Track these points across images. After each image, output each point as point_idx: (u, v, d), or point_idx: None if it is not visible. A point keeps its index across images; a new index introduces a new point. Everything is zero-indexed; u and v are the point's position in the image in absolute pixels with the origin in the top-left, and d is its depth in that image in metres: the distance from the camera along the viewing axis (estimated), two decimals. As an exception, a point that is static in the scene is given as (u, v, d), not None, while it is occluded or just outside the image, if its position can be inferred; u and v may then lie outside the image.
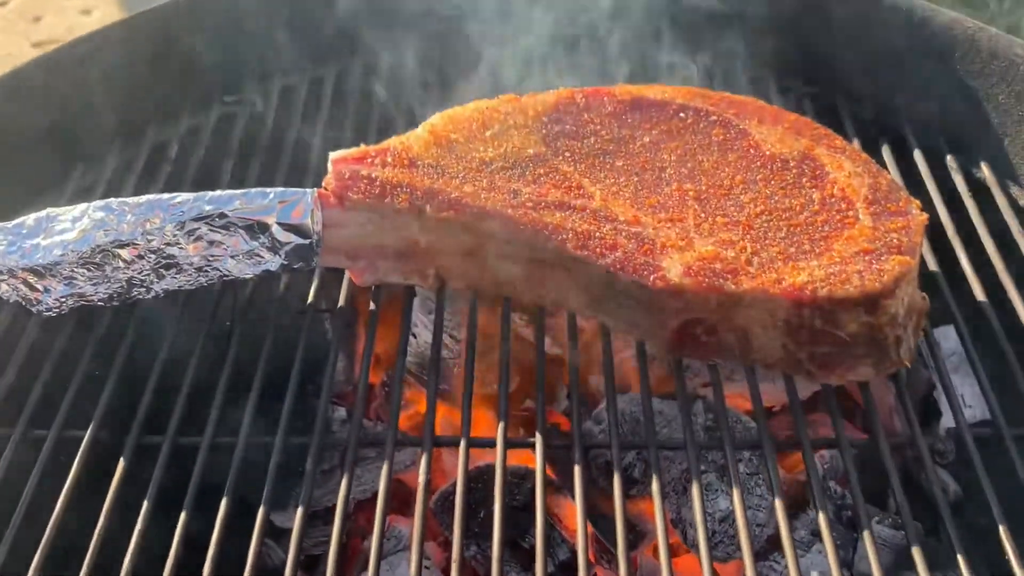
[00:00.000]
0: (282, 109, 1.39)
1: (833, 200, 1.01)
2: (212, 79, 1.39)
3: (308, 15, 1.44)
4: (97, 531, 0.90)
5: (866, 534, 0.89)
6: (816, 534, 1.16)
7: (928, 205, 1.21)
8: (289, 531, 1.21)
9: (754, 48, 1.33)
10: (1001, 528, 0.88)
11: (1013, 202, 1.22)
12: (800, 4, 1.35)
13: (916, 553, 0.88)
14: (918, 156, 1.28)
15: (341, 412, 1.31)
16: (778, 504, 0.91)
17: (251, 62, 1.41)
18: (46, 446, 0.97)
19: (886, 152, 1.28)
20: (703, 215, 1.00)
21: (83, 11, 4.31)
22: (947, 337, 1.31)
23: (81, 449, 0.97)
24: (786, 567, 0.89)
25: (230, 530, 0.91)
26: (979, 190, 1.24)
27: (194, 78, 1.38)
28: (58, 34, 4.16)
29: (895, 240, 0.97)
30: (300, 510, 0.92)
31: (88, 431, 0.98)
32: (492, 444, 0.98)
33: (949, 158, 1.29)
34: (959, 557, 0.87)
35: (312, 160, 1.30)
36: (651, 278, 0.96)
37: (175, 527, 0.90)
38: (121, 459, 0.96)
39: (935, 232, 1.18)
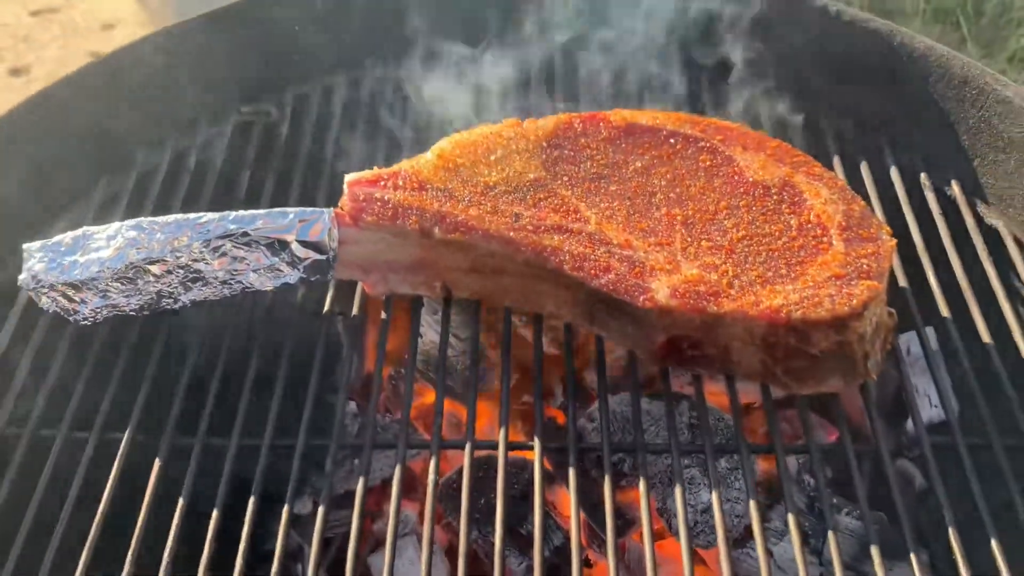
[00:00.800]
0: (295, 118, 1.47)
1: (809, 226, 1.09)
2: (229, 90, 1.46)
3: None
4: (139, 524, 0.99)
5: (831, 534, 0.99)
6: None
7: (901, 220, 1.30)
8: (303, 517, 1.33)
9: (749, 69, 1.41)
10: (951, 530, 0.98)
11: (979, 219, 1.30)
12: (790, 33, 1.42)
13: (874, 551, 0.98)
14: (894, 173, 1.36)
15: (352, 406, 1.41)
16: (752, 505, 1.02)
17: (266, 74, 1.49)
18: (88, 447, 1.07)
19: (864, 169, 1.36)
20: (689, 239, 1.09)
21: (79, -20, 4.32)
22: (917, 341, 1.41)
23: (120, 450, 1.06)
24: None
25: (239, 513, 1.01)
26: (949, 207, 1.33)
27: (211, 89, 1.45)
28: (56, 2, 4.19)
29: (865, 265, 1.05)
30: (321, 508, 1.02)
31: (126, 433, 1.08)
32: (494, 447, 1.07)
33: (923, 176, 1.36)
34: (911, 555, 0.97)
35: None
36: (640, 299, 1.04)
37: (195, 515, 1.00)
38: (157, 459, 1.06)
39: (906, 246, 1.26)
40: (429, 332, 1.41)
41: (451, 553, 1.35)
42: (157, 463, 1.05)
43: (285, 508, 1.02)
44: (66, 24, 4.05)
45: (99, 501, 1.01)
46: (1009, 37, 3.58)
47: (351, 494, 1.30)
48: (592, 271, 1.06)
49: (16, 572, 0.96)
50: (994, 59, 3.56)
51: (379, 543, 1.38)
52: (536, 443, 1.06)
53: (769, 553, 1.24)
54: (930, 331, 1.25)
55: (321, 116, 1.47)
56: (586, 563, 1.30)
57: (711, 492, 1.03)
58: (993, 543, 0.98)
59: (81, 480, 1.03)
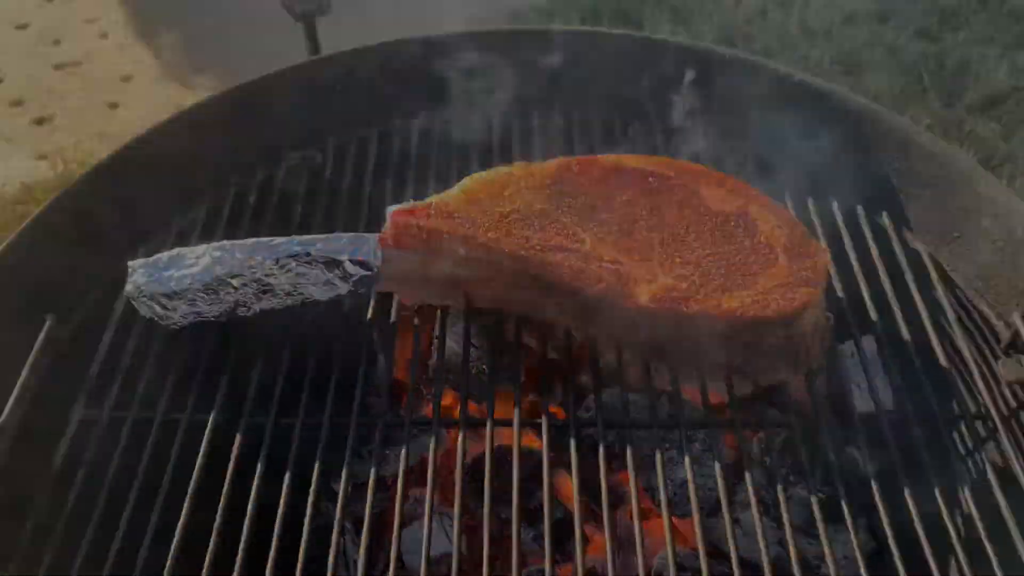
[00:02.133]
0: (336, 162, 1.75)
1: (760, 246, 1.35)
2: (280, 139, 1.74)
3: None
4: (224, 488, 1.23)
5: (780, 495, 1.25)
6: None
7: (841, 245, 1.57)
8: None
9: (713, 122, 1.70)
10: (874, 487, 1.23)
11: (904, 244, 1.58)
12: (750, 91, 1.71)
13: (814, 503, 1.23)
14: (835, 207, 1.64)
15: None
16: (718, 471, 1.27)
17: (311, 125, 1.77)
18: (181, 426, 1.31)
19: (811, 204, 1.64)
20: (665, 256, 1.35)
21: (100, 35, 4.60)
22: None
23: (207, 428, 1.31)
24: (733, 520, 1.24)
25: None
26: (880, 234, 1.60)
27: (265, 139, 1.73)
28: (77, 56, 4.45)
29: (804, 276, 1.31)
30: (372, 471, 1.26)
31: (211, 415, 1.32)
32: (510, 424, 1.32)
33: (859, 208, 1.64)
34: (847, 517, 1.22)
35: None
36: (626, 303, 1.30)
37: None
38: (237, 435, 1.30)
39: (845, 266, 1.53)
40: (448, 342, 1.66)
41: (466, 529, 1.57)
42: (238, 438, 1.30)
43: (344, 471, 1.26)
44: (86, 77, 4.30)
45: (191, 468, 1.25)
46: (967, 89, 3.90)
47: (379, 480, 1.55)
48: (587, 281, 1.32)
49: (131, 521, 1.20)
50: (954, 108, 3.87)
51: (403, 523, 1.61)
52: (544, 420, 1.32)
53: (736, 520, 1.49)
54: (868, 339, 1.51)
55: (358, 160, 1.74)
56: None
57: (686, 461, 1.28)
58: (907, 496, 1.23)
59: (177, 453, 1.27)
